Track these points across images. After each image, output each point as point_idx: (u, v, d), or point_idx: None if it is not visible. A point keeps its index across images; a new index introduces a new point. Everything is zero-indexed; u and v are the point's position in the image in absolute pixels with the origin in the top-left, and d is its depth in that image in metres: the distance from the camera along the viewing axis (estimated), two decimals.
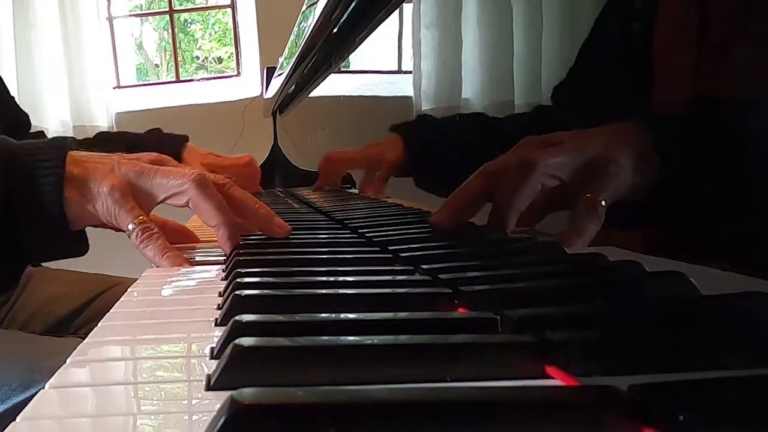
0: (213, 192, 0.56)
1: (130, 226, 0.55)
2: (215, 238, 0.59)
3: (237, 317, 0.29)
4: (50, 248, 0.58)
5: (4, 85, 1.22)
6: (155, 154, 0.62)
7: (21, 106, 1.27)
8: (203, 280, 0.49)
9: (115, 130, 2.71)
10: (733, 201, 0.31)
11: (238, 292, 0.34)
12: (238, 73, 2.98)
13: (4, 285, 0.71)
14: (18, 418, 0.21)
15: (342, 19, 0.92)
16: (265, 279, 0.42)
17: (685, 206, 0.34)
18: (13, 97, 1.22)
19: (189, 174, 0.56)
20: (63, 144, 0.56)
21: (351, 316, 0.30)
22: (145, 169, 0.56)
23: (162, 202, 0.57)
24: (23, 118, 1.24)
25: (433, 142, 0.70)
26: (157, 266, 0.55)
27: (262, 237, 0.63)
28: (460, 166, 0.53)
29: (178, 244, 0.65)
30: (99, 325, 0.34)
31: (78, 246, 0.58)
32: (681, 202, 0.35)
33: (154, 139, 1.31)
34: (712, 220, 0.32)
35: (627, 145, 0.36)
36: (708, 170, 0.33)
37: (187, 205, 0.56)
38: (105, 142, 1.30)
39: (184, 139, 1.32)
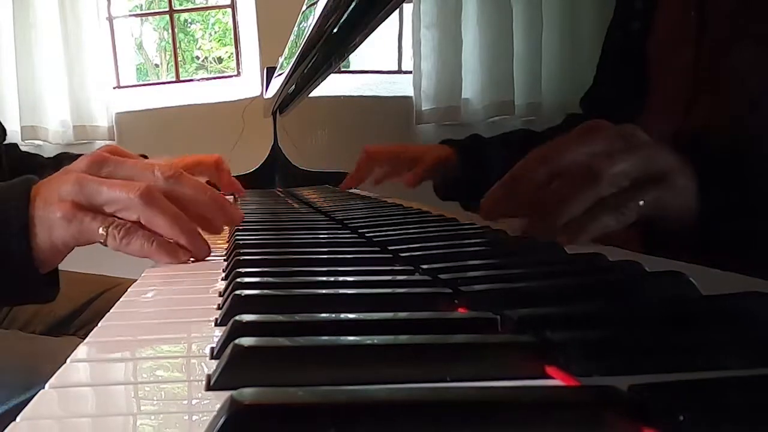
0: (163, 204, 0.52)
1: (101, 231, 0.51)
2: (215, 234, 0.58)
3: (237, 317, 0.29)
4: (18, 295, 0.55)
5: None
6: (104, 147, 0.57)
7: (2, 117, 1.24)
8: (203, 280, 0.49)
9: (115, 130, 2.71)
10: (733, 201, 0.31)
11: (238, 292, 0.34)
12: (238, 73, 2.98)
13: None
14: (18, 418, 0.21)
15: (342, 19, 0.91)
16: (265, 279, 0.42)
17: (686, 206, 0.34)
18: None
19: (134, 188, 0.51)
20: (26, 185, 0.53)
21: (351, 316, 0.30)
22: (85, 180, 0.52)
23: (114, 215, 0.52)
24: (1, 131, 1.22)
25: (485, 163, 0.64)
26: (151, 259, 0.52)
27: (262, 237, 0.63)
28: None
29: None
30: (99, 325, 0.34)
31: (48, 290, 0.55)
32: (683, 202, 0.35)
33: None
34: (712, 220, 0.32)
35: (687, 171, 0.34)
36: (709, 170, 0.33)
37: (140, 221, 0.52)
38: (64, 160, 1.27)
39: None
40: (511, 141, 0.56)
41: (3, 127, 1.23)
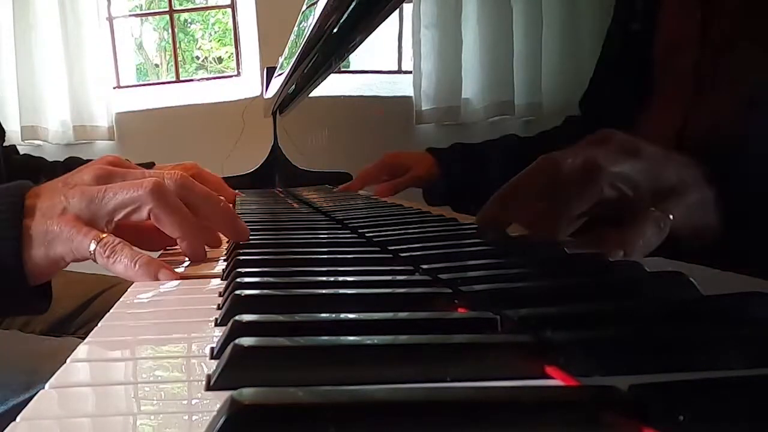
0: (173, 201, 0.51)
1: (92, 247, 0.49)
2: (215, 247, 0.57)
3: (237, 317, 0.29)
4: (7, 308, 0.54)
5: None
6: (105, 158, 0.56)
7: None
8: (203, 280, 0.49)
9: (115, 130, 2.71)
10: (733, 201, 0.31)
11: (238, 292, 0.34)
12: (238, 73, 2.98)
13: None
14: (18, 418, 0.21)
15: (342, 19, 0.91)
16: (265, 279, 0.42)
17: (686, 206, 0.34)
18: None
19: (143, 184, 0.51)
20: (19, 191, 0.52)
21: (351, 316, 0.30)
22: (92, 193, 0.51)
23: (123, 220, 0.51)
24: (0, 132, 1.20)
25: (469, 168, 0.64)
26: (134, 280, 0.49)
27: (262, 237, 0.63)
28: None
29: (165, 244, 0.62)
30: (99, 325, 0.34)
31: (40, 303, 0.54)
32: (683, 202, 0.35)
33: None
34: (712, 220, 0.32)
35: (700, 180, 0.34)
36: (708, 171, 0.33)
37: (149, 218, 0.51)
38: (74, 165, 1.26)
39: (150, 166, 1.27)
40: (502, 146, 0.56)
41: (2, 128, 1.23)
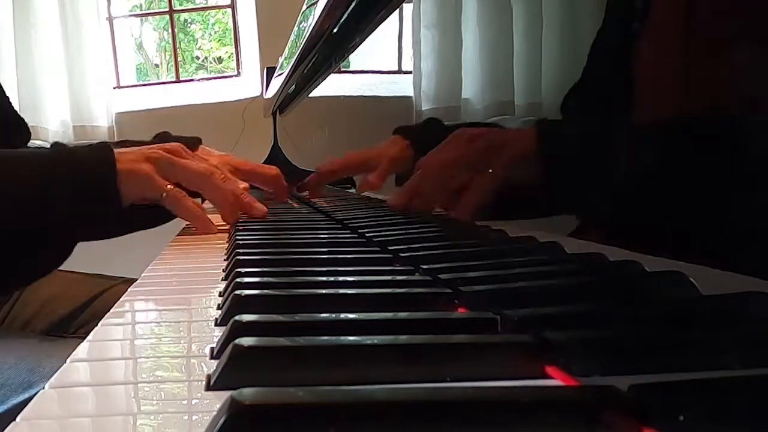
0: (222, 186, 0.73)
1: (164, 193, 0.67)
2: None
3: (237, 317, 0.29)
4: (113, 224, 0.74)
5: (0, 87, 1.20)
6: (170, 144, 0.74)
7: (20, 114, 1.25)
8: (202, 281, 0.49)
9: (115, 130, 2.71)
10: (732, 201, 0.31)
11: (238, 292, 0.34)
12: (238, 73, 2.98)
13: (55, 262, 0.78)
14: (18, 418, 0.21)
15: (342, 19, 0.91)
16: (265, 279, 0.42)
17: (685, 206, 0.34)
18: (11, 103, 1.20)
19: (207, 170, 0.72)
20: (105, 144, 0.70)
21: (351, 316, 0.30)
22: (173, 159, 0.70)
23: (184, 187, 0.70)
24: (24, 127, 1.22)
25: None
26: (191, 224, 0.72)
27: (262, 237, 0.63)
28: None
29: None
30: (99, 324, 0.34)
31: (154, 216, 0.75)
32: (681, 202, 0.35)
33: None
34: (712, 220, 0.32)
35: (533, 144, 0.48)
36: (708, 171, 0.33)
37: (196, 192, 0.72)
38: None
39: (197, 141, 1.29)
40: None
41: (26, 125, 1.23)
